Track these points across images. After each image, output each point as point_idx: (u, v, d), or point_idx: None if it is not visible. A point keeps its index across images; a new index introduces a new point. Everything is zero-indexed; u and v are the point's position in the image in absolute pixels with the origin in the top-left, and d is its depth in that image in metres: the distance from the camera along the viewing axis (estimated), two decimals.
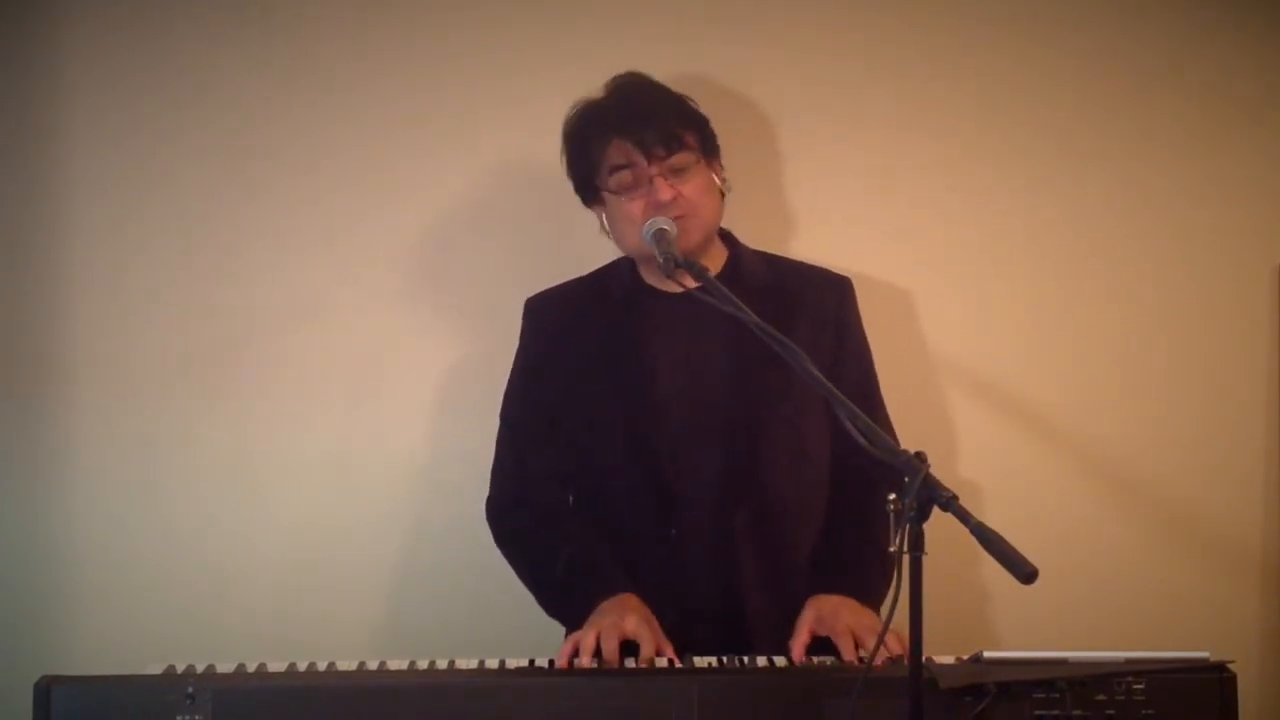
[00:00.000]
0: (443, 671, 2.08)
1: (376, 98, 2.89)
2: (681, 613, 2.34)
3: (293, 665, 2.08)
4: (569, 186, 2.53)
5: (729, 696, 1.99)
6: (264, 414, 2.89)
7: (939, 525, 1.77)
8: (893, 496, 1.73)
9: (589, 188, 2.49)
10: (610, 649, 2.17)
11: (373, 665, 2.09)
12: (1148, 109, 2.93)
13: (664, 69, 2.56)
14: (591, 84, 2.50)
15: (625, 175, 2.40)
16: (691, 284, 2.18)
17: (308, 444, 2.89)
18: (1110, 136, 2.93)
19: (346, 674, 2.06)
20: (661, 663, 2.17)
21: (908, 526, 1.72)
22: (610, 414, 2.44)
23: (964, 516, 1.72)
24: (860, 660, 2.16)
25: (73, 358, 2.88)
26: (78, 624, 2.87)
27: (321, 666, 2.08)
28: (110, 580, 2.88)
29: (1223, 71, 2.93)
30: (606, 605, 2.27)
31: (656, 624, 2.26)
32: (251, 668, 2.07)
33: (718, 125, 2.52)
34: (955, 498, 1.74)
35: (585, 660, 2.16)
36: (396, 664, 2.09)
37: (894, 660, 2.11)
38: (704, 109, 2.51)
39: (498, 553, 2.53)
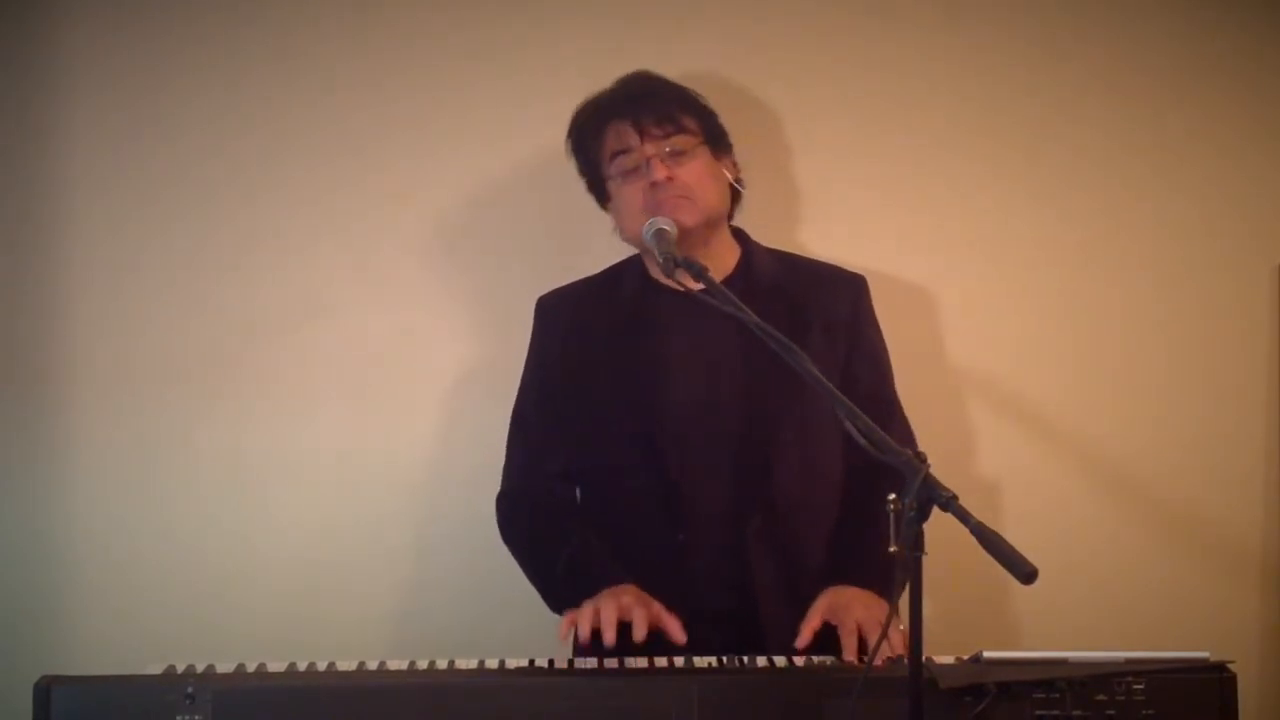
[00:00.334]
0: (443, 671, 2.07)
1: (379, 97, 2.89)
2: (690, 616, 2.33)
3: (293, 665, 2.08)
4: (577, 185, 2.53)
5: (729, 696, 1.99)
6: (264, 414, 2.89)
7: (938, 525, 1.77)
8: (893, 496, 1.73)
9: (598, 185, 2.49)
10: (609, 617, 2.18)
11: (373, 665, 2.08)
12: (1149, 109, 2.93)
13: (675, 67, 2.57)
14: (600, 83, 2.51)
15: (624, 160, 2.41)
16: (693, 284, 2.18)
17: (308, 444, 2.89)
18: (1111, 137, 2.93)
19: (346, 674, 2.05)
20: (661, 663, 2.17)
21: (908, 526, 1.72)
22: (620, 415, 2.44)
23: (964, 516, 1.72)
24: (860, 660, 2.16)
25: (73, 358, 2.88)
26: (78, 624, 2.87)
27: (321, 667, 2.08)
28: (110, 580, 2.88)
29: (1223, 72, 2.93)
30: (605, 592, 2.28)
31: (658, 605, 2.26)
32: (251, 668, 2.07)
33: (732, 123, 2.52)
34: (955, 497, 1.74)
35: (584, 630, 2.18)
36: (396, 664, 2.09)
37: (894, 660, 2.11)
38: (717, 106, 2.51)
39: (497, 554, 2.53)
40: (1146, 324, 2.94)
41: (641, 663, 2.15)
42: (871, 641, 2.19)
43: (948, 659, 2.07)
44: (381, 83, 2.89)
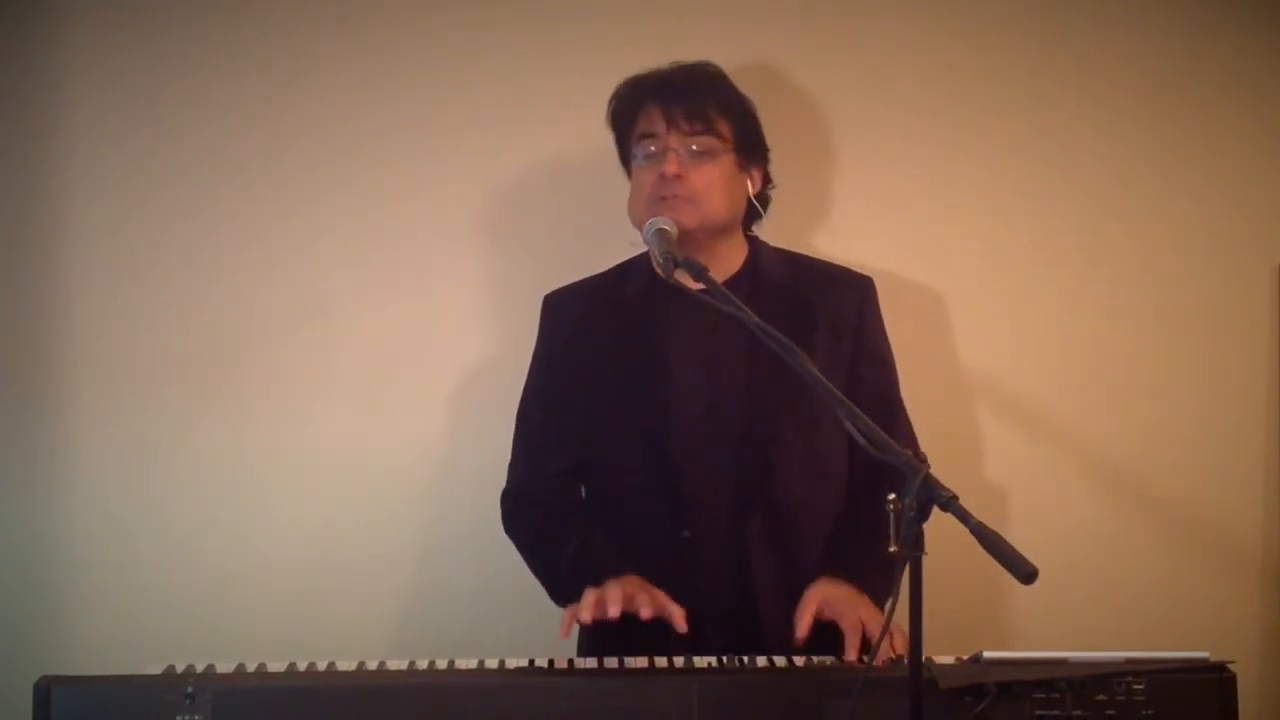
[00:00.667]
0: (443, 671, 2.07)
1: (380, 96, 2.89)
2: (694, 615, 2.33)
3: (293, 665, 2.08)
4: (586, 184, 2.52)
5: (729, 696, 1.99)
6: (265, 414, 2.89)
7: (938, 525, 1.77)
8: (892, 496, 1.73)
9: (626, 160, 2.48)
10: (614, 595, 2.19)
11: (373, 665, 2.08)
12: (1150, 110, 2.93)
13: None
14: (601, 86, 2.49)
15: (649, 144, 2.40)
16: (692, 284, 2.17)
17: (308, 444, 2.89)
18: (1112, 138, 2.93)
19: (346, 674, 2.05)
20: (661, 663, 2.16)
21: (907, 526, 1.72)
22: (625, 413, 2.43)
23: (964, 516, 1.72)
24: (861, 660, 2.16)
25: (73, 358, 2.88)
26: (78, 624, 2.87)
27: (321, 666, 2.08)
28: (110, 580, 2.88)
29: (1224, 72, 2.93)
30: (611, 581, 2.27)
31: (662, 593, 2.26)
32: (251, 668, 2.07)
33: None
34: (955, 497, 1.74)
35: (586, 615, 2.19)
36: (396, 664, 2.09)
37: (894, 660, 2.11)
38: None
39: (497, 554, 2.54)
40: (1147, 324, 2.94)
41: (641, 663, 2.15)
42: (874, 640, 2.18)
43: (948, 659, 2.07)
44: (383, 82, 2.89)
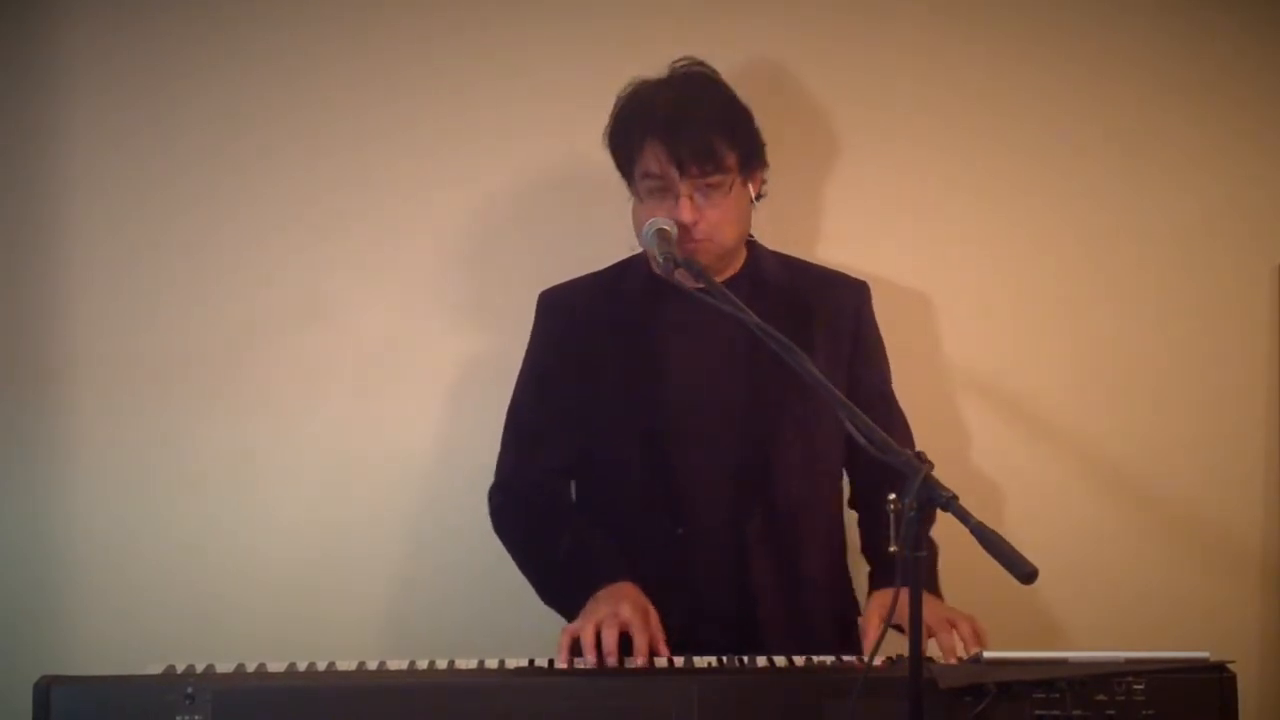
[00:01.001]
0: (443, 671, 2.07)
1: (380, 96, 2.89)
2: (691, 613, 2.34)
3: (293, 665, 2.08)
4: (580, 183, 2.52)
5: (729, 696, 1.99)
6: (265, 414, 2.89)
7: (938, 525, 1.77)
8: (893, 496, 1.73)
9: (626, 175, 2.45)
10: (610, 641, 2.16)
11: (373, 665, 2.08)
12: (1149, 109, 2.93)
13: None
14: (613, 81, 2.47)
15: (655, 184, 2.35)
16: (691, 284, 2.18)
17: (309, 444, 2.89)
18: (1111, 137, 2.93)
19: (346, 674, 2.05)
20: (661, 663, 2.17)
21: (908, 526, 1.72)
22: (621, 410, 2.43)
23: (964, 516, 1.72)
24: (962, 657, 2.15)
25: (73, 358, 2.88)
26: (78, 624, 2.87)
27: (321, 666, 2.08)
28: (110, 580, 2.87)
29: (1224, 72, 2.93)
30: (602, 594, 2.26)
31: (654, 612, 2.25)
32: (251, 668, 2.07)
33: None
34: (955, 498, 1.74)
35: (589, 656, 2.15)
36: (396, 664, 2.09)
37: (893, 660, 2.11)
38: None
39: (497, 553, 2.53)
40: (1146, 324, 2.94)
41: (641, 663, 2.16)
42: (939, 638, 2.17)
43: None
44: (382, 82, 2.89)
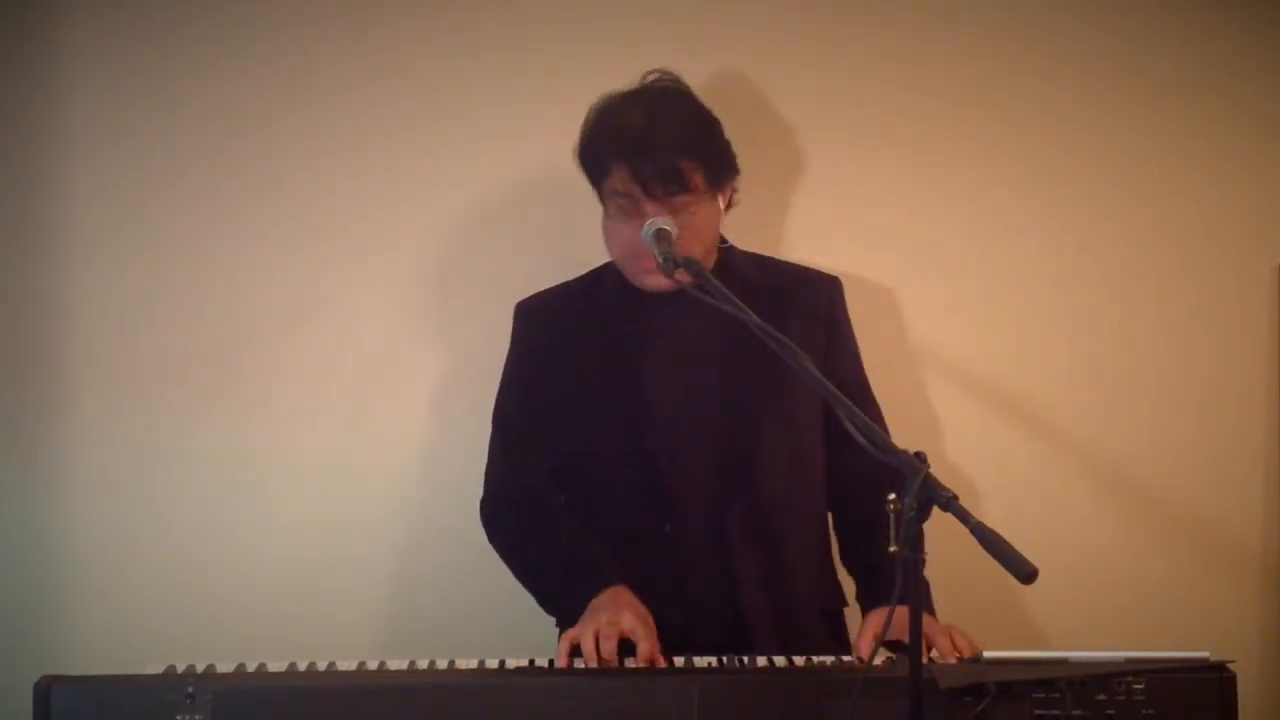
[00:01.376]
0: (443, 671, 2.07)
1: (378, 99, 2.89)
2: (680, 611, 2.35)
3: (293, 665, 2.08)
4: (570, 190, 2.53)
5: (729, 696, 1.99)
6: (264, 414, 2.89)
7: (939, 525, 1.77)
8: (892, 496, 1.73)
9: (596, 189, 2.48)
10: (609, 649, 2.16)
11: (373, 665, 2.08)
12: (1147, 109, 2.93)
13: (677, 69, 2.54)
14: (598, 87, 2.48)
15: (623, 202, 2.37)
16: (684, 280, 2.18)
17: (308, 444, 2.89)
18: (1110, 137, 2.93)
19: (346, 674, 2.05)
20: (661, 663, 2.17)
21: (907, 527, 1.72)
22: (603, 414, 2.44)
23: (964, 516, 1.72)
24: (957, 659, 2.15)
25: (73, 358, 2.88)
26: (78, 624, 2.87)
27: (321, 666, 2.08)
28: (110, 580, 2.87)
29: (1223, 71, 2.93)
30: (600, 601, 2.27)
31: (651, 620, 2.26)
32: (251, 668, 2.07)
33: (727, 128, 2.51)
34: (955, 498, 1.74)
35: (591, 664, 2.16)
36: (396, 664, 2.09)
37: (893, 661, 2.11)
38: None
39: (496, 553, 2.53)
40: (1146, 324, 2.94)
41: (641, 663, 2.16)
42: (939, 646, 2.18)
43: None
44: (380, 85, 2.89)
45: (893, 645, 2.13)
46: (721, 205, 2.46)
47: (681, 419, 2.43)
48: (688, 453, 2.42)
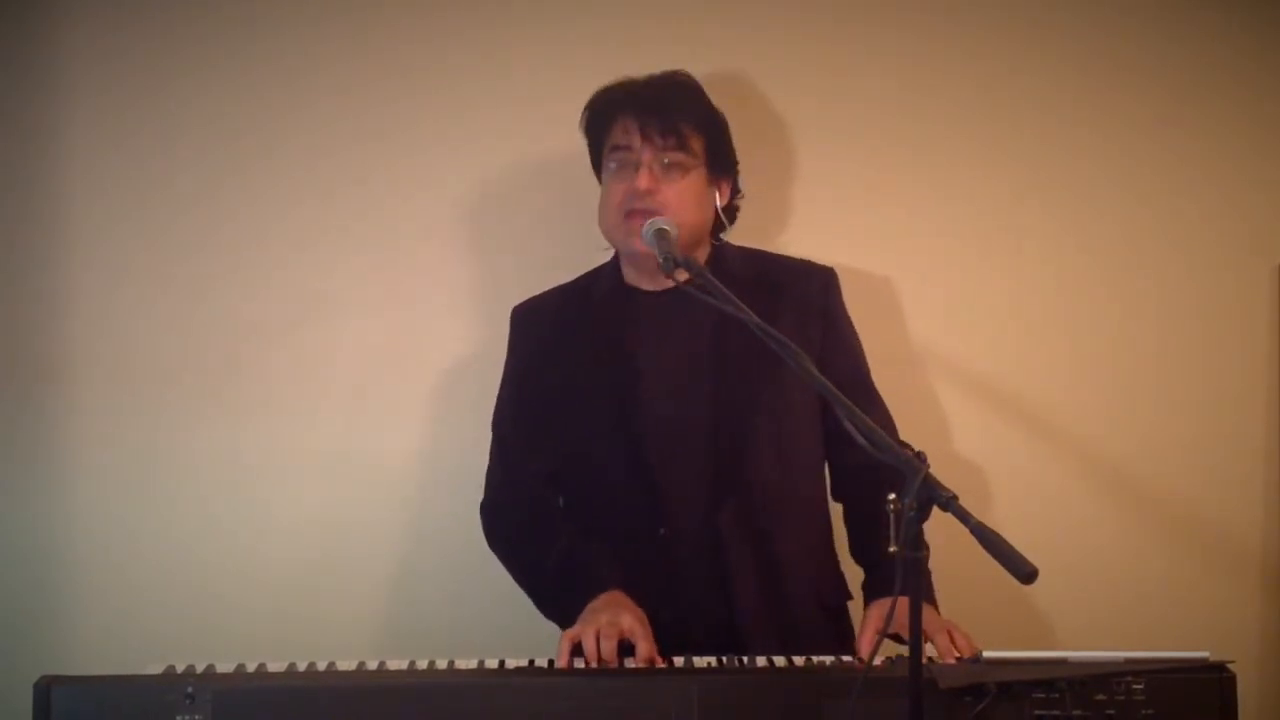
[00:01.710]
0: (443, 671, 2.08)
1: (376, 98, 2.89)
2: (675, 611, 2.35)
3: (293, 665, 2.08)
4: (571, 190, 2.53)
5: (729, 696, 1.99)
6: (263, 414, 2.89)
7: (939, 524, 1.77)
8: (892, 496, 1.73)
9: (598, 168, 2.50)
10: (609, 649, 2.17)
11: (373, 665, 2.09)
12: (1148, 109, 2.93)
13: (670, 67, 2.56)
14: (597, 86, 2.50)
15: (621, 155, 2.42)
16: (681, 278, 2.18)
17: (307, 444, 2.89)
18: (1109, 136, 2.93)
19: (346, 674, 2.06)
20: (661, 663, 2.17)
21: (908, 526, 1.72)
22: (598, 416, 2.45)
23: (964, 516, 1.72)
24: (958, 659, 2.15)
25: (73, 358, 2.88)
26: (78, 624, 2.87)
27: (321, 666, 2.08)
28: (110, 580, 2.87)
29: (1223, 71, 2.93)
30: (598, 603, 2.27)
31: (648, 622, 2.26)
32: (251, 668, 2.07)
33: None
34: (955, 497, 1.74)
35: (590, 663, 2.16)
36: (396, 664, 2.09)
37: (893, 660, 2.11)
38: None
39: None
40: (1146, 324, 2.94)
41: (641, 663, 2.16)
42: (936, 643, 2.18)
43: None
44: (380, 83, 2.89)
45: (894, 637, 2.13)
46: (717, 200, 2.47)
47: (675, 420, 2.43)
48: (682, 455, 2.41)
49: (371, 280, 2.90)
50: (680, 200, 2.39)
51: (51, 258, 2.88)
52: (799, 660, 2.16)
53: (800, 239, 2.86)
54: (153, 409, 2.88)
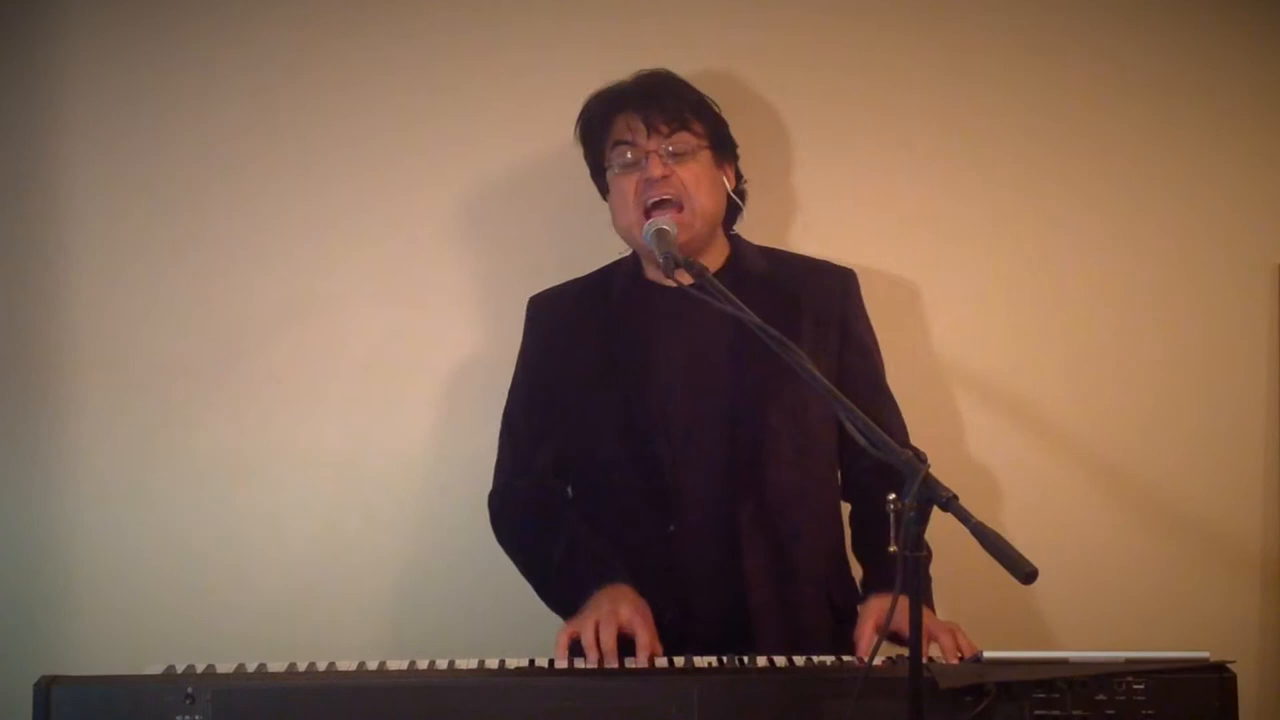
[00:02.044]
0: (443, 671, 2.07)
1: (379, 94, 2.89)
2: (682, 608, 2.35)
3: (293, 665, 2.08)
4: (576, 185, 2.53)
5: (729, 696, 1.98)
6: (264, 414, 2.89)
7: (939, 525, 1.77)
8: (892, 496, 1.73)
9: (600, 173, 2.50)
10: (608, 640, 2.17)
11: (373, 665, 2.08)
12: (1148, 109, 2.93)
13: (676, 68, 2.56)
14: (597, 82, 2.51)
15: (626, 151, 2.43)
16: (686, 280, 2.18)
17: (307, 444, 2.89)
18: (1110, 137, 2.93)
19: (346, 674, 2.05)
20: (661, 663, 2.17)
21: (907, 526, 1.72)
22: (610, 409, 2.44)
23: (964, 516, 1.72)
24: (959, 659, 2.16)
25: (73, 357, 2.88)
26: (78, 624, 2.87)
27: (321, 667, 2.08)
28: (110, 580, 2.87)
29: (1223, 72, 2.93)
30: (600, 596, 2.27)
31: (650, 616, 2.26)
32: (251, 668, 2.07)
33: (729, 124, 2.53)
34: (955, 497, 1.74)
35: (591, 655, 2.16)
36: (396, 664, 2.09)
37: (894, 661, 2.11)
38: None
39: (497, 553, 2.53)
40: (1146, 323, 2.94)
41: (641, 663, 2.16)
42: (940, 642, 2.18)
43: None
44: (382, 80, 2.89)
45: (894, 637, 2.13)
46: (726, 182, 2.48)
47: (691, 416, 2.42)
48: (695, 450, 2.41)
49: (371, 279, 2.90)
50: (696, 182, 2.41)
51: (51, 258, 2.88)
52: (799, 660, 2.15)
53: (815, 241, 2.86)
54: (152, 408, 2.88)
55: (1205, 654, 2.01)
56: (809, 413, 2.43)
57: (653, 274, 2.49)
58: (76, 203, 2.88)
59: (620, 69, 2.52)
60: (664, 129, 2.41)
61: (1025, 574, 1.65)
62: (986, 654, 2.04)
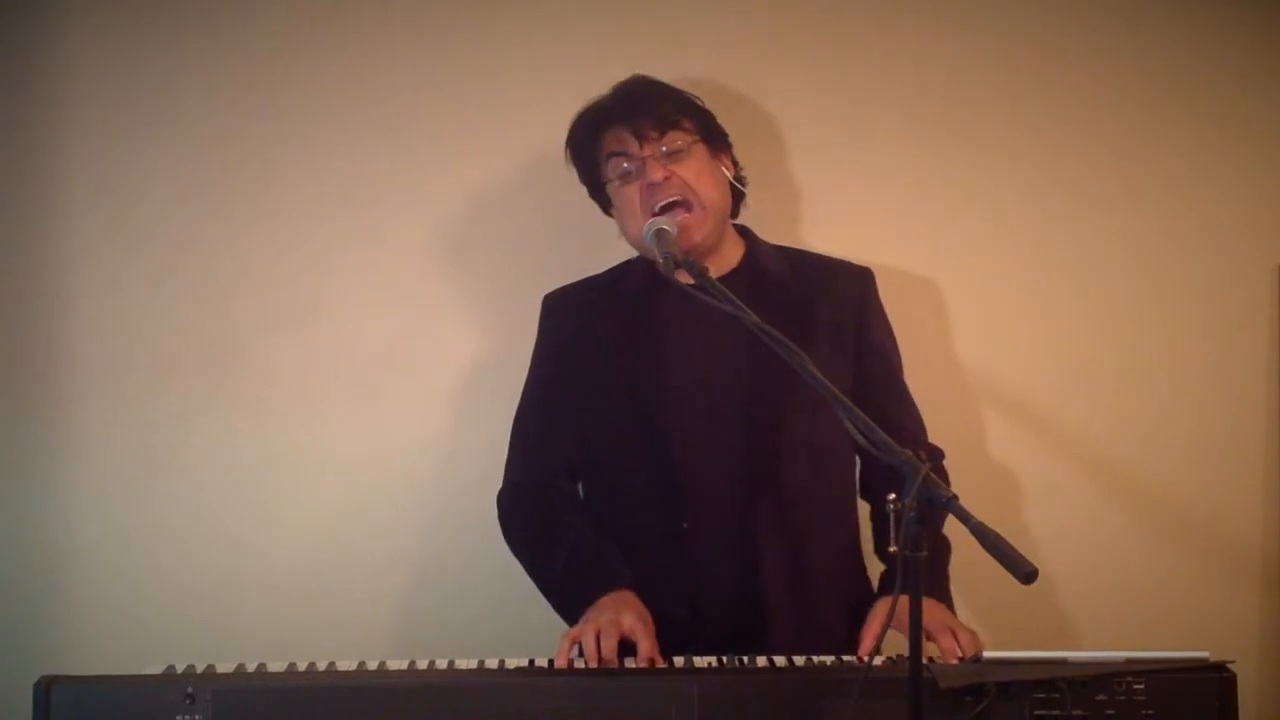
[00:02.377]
0: (443, 671, 2.08)
1: (383, 94, 2.89)
2: (693, 608, 2.34)
3: (293, 665, 2.08)
4: (581, 187, 2.54)
5: (729, 696, 1.99)
6: (265, 414, 2.89)
7: (952, 522, 1.76)
8: (892, 496, 1.73)
9: (598, 190, 2.50)
10: (609, 647, 2.17)
11: (373, 665, 2.09)
12: (1148, 110, 2.93)
13: (674, 70, 2.57)
14: (602, 83, 2.51)
15: (621, 162, 2.42)
16: (687, 280, 2.18)
17: (308, 445, 2.89)
18: (1111, 137, 2.93)
19: (346, 674, 2.06)
20: (661, 663, 2.17)
21: (907, 526, 1.72)
22: (624, 409, 2.44)
23: (964, 516, 1.72)
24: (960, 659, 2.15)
25: (74, 358, 2.88)
26: (78, 624, 2.87)
27: (321, 667, 2.08)
28: (110, 580, 2.87)
29: (1224, 72, 2.93)
30: (604, 601, 2.27)
31: (652, 624, 2.25)
32: (251, 668, 2.07)
33: (733, 125, 2.54)
34: (955, 497, 1.74)
35: (592, 664, 2.16)
36: (396, 664, 2.09)
37: (894, 661, 2.11)
38: (718, 109, 2.53)
39: (497, 553, 2.53)
40: (1147, 324, 2.94)
41: (641, 663, 2.16)
42: (941, 642, 2.18)
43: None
44: (385, 80, 2.89)
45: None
46: (725, 171, 2.48)
47: (706, 416, 2.42)
48: (709, 450, 2.40)
49: (372, 279, 2.90)
50: (698, 178, 2.41)
51: (51, 258, 2.88)
52: (799, 660, 2.15)
53: (828, 238, 2.86)
54: (153, 409, 2.88)
55: (1205, 654, 2.01)
56: (825, 412, 2.41)
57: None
58: (76, 203, 2.88)
59: (623, 69, 2.52)
60: (654, 134, 2.41)
61: (1025, 574, 1.65)
62: (986, 654, 2.05)
